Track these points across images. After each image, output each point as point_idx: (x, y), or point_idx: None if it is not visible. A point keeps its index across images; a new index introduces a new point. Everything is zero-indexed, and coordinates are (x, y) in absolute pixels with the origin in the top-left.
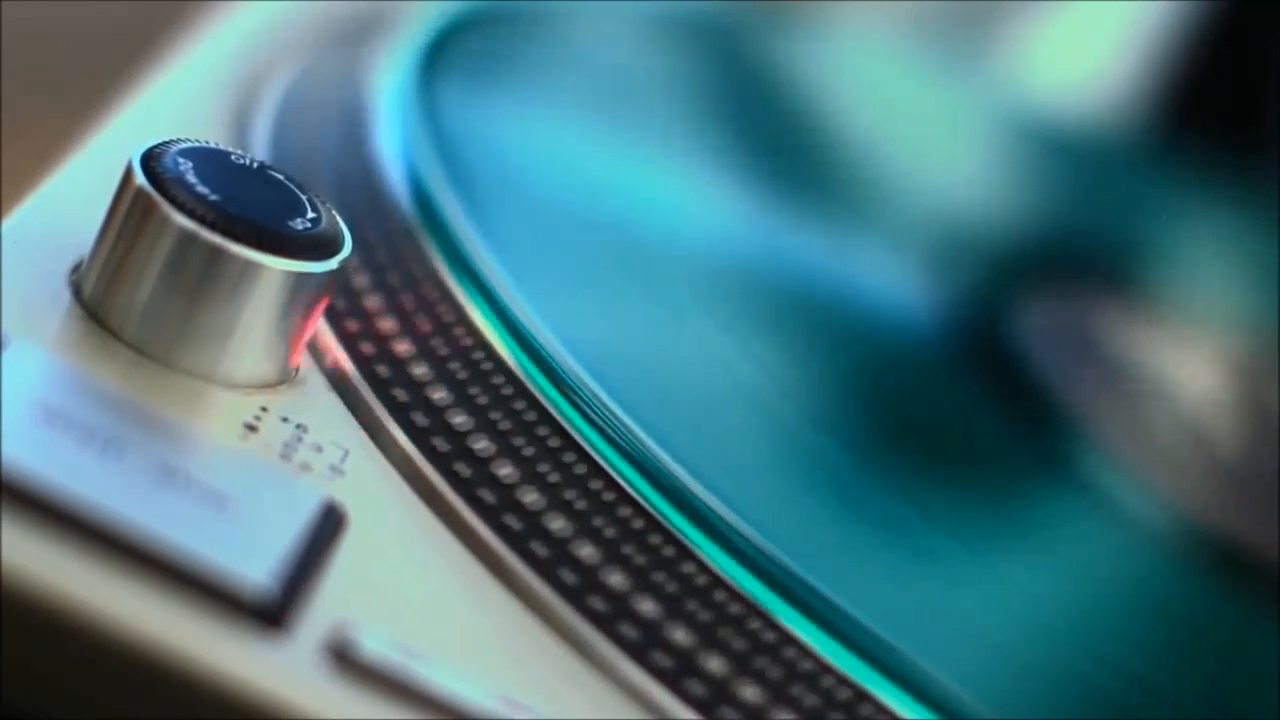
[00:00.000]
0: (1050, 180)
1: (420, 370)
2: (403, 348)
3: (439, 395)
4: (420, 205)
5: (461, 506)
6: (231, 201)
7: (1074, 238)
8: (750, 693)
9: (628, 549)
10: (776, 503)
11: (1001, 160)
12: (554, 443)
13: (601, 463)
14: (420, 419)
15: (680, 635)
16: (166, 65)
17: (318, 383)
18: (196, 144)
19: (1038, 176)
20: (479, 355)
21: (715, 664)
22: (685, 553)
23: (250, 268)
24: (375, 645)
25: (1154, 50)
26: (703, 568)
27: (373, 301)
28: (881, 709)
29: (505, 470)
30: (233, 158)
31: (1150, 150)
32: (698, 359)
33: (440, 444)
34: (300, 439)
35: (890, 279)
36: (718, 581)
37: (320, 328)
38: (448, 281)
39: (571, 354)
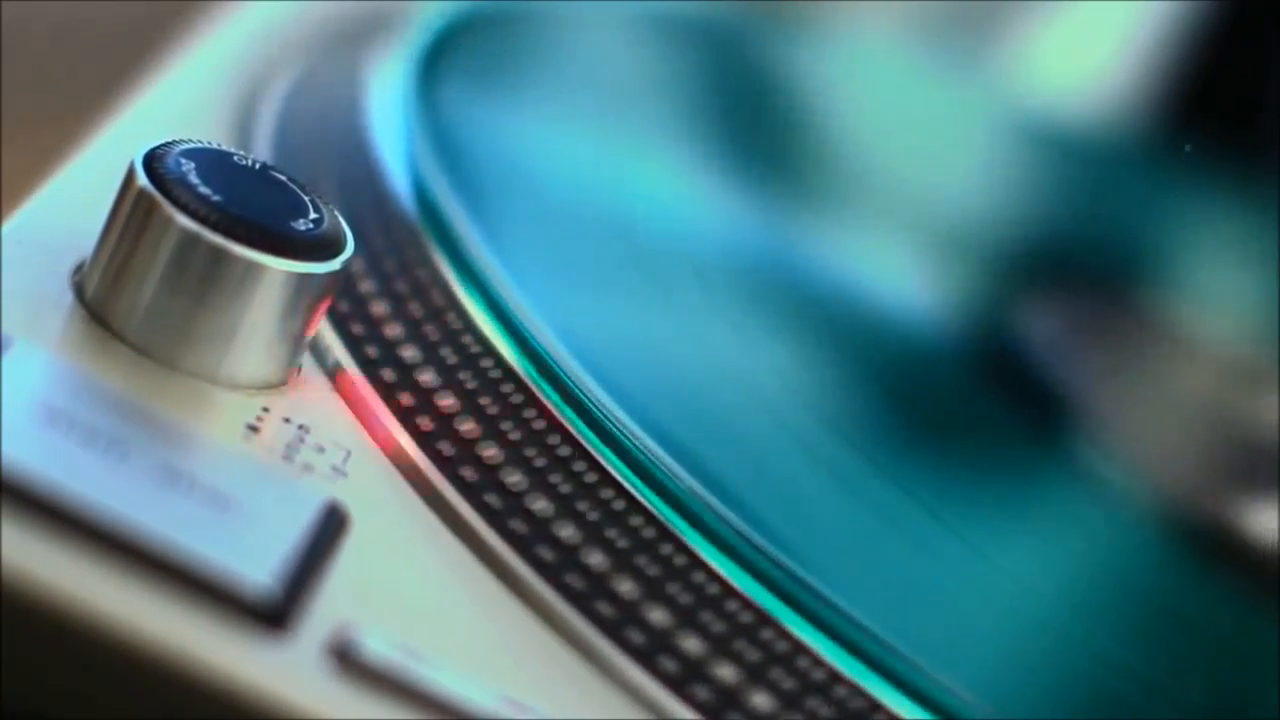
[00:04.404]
0: (1054, 181)
1: (423, 371)
2: (404, 346)
3: (443, 394)
4: (422, 205)
5: (463, 507)
6: (234, 202)
7: (1078, 239)
8: (758, 699)
9: (620, 539)
10: (783, 504)
11: (1005, 161)
12: (559, 447)
13: (605, 464)
14: (421, 419)
15: (681, 633)
16: (169, 66)
17: (320, 384)
18: (199, 145)
19: (1041, 177)
20: (477, 350)
21: (721, 666)
22: (689, 555)
23: (253, 268)
24: (377, 646)
25: (1157, 51)
26: (708, 572)
27: (376, 302)
28: (891, 717)
29: (505, 468)
30: (235, 158)
31: (1154, 151)
32: (703, 362)
33: (443, 445)
34: (302, 440)
35: (895, 280)
36: (722, 584)
37: (322, 328)
38: (450, 281)
39: (574, 355)
